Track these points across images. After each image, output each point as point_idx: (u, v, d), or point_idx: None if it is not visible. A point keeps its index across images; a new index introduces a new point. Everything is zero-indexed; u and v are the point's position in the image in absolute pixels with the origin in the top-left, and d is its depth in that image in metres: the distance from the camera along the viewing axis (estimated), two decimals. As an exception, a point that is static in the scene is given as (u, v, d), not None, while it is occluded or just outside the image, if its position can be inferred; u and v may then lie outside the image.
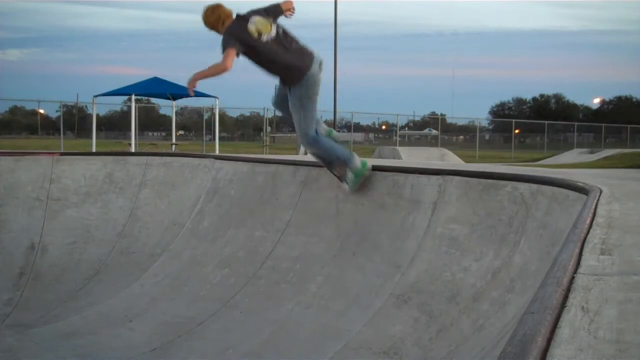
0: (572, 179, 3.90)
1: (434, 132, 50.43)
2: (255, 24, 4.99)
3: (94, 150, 17.50)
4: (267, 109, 32.84)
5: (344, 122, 43.16)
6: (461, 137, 60.78)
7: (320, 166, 5.56)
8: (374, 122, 57.71)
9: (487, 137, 56.82)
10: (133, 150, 17.32)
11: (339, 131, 33.21)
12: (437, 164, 7.48)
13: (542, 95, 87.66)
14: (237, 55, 4.91)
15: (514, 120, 46.64)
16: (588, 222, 2.43)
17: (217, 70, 4.90)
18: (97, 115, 23.78)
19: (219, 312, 5.23)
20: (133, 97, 20.24)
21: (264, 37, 4.99)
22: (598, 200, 3.11)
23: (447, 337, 3.60)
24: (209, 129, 31.15)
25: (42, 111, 43.33)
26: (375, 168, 5.37)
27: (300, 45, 5.18)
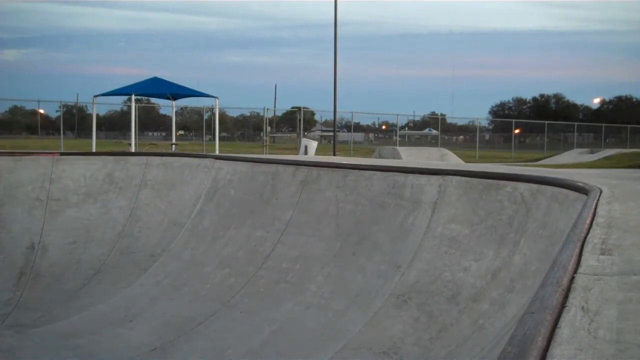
0: (572, 179, 3.90)
1: (434, 132, 50.45)
2: None
3: (94, 150, 17.49)
4: (267, 109, 32.89)
5: (344, 122, 43.21)
6: (461, 137, 60.77)
7: (320, 166, 5.55)
8: (374, 122, 57.84)
9: (487, 137, 56.82)
10: (133, 150, 17.32)
11: (339, 131, 33.13)
12: (437, 164, 7.48)
13: (542, 95, 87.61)
14: None
15: (514, 120, 46.63)
16: (588, 222, 2.43)
17: None
18: (97, 115, 23.78)
19: (219, 312, 5.23)
20: (133, 97, 20.23)
21: None
22: (598, 200, 3.10)
23: (447, 337, 3.60)
24: (209, 129, 31.16)
25: (42, 111, 43.30)
26: (375, 168, 5.37)
27: None
